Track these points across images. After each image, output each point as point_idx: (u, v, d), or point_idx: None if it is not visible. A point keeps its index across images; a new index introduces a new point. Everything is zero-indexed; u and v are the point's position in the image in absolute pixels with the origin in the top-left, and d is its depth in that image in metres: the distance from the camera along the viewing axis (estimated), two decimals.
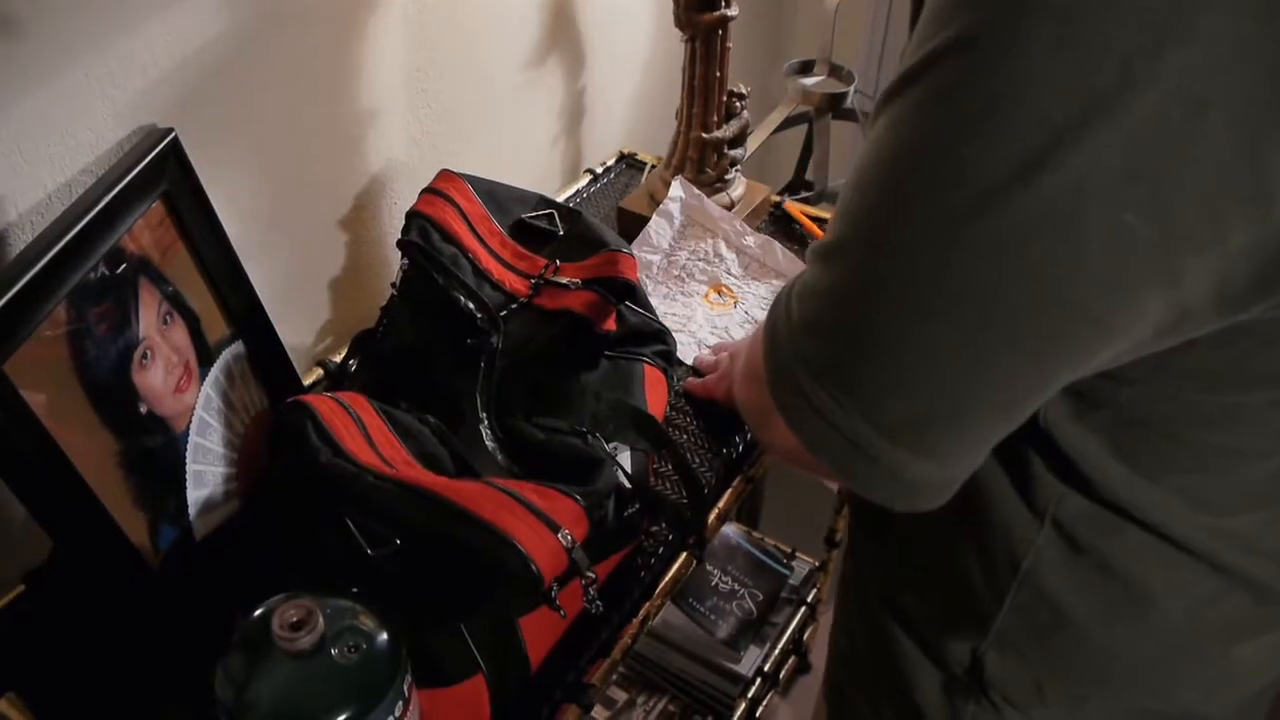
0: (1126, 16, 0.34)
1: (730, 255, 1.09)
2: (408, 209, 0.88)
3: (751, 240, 1.09)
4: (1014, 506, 0.55)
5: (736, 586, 1.47)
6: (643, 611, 0.77)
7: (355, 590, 0.59)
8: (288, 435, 0.68)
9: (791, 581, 1.51)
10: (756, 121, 1.27)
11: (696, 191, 1.09)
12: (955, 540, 0.59)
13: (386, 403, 0.76)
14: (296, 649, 0.53)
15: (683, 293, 1.06)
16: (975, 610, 0.60)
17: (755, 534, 1.59)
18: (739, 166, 1.15)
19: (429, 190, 0.90)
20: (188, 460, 0.72)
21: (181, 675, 0.65)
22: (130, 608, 0.69)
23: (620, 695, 1.47)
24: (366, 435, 0.70)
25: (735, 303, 1.05)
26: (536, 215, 0.95)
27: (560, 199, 1.14)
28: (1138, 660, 0.59)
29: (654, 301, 1.00)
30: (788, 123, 1.41)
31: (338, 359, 0.92)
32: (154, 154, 0.69)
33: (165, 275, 0.71)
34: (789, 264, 1.08)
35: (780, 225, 1.17)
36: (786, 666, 1.57)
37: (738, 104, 1.11)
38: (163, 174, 0.70)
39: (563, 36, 1.18)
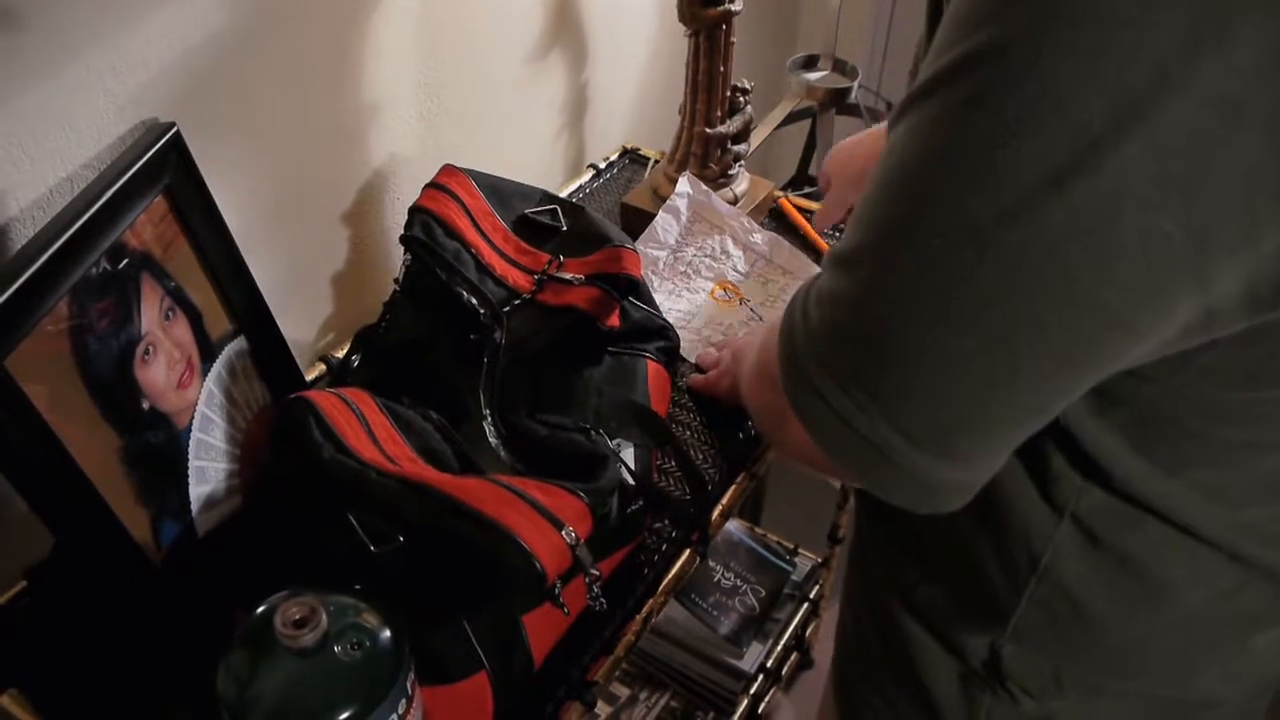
0: (1162, 23, 0.34)
1: (737, 252, 1.09)
2: (410, 204, 0.88)
3: (759, 237, 1.09)
4: (1033, 502, 0.55)
5: (739, 583, 1.47)
6: (646, 608, 0.77)
7: (358, 587, 0.59)
8: (290, 431, 0.68)
9: (794, 577, 1.51)
10: (760, 117, 1.27)
11: (704, 188, 1.09)
12: (972, 536, 0.59)
13: (389, 398, 0.76)
14: (299, 646, 0.52)
15: (688, 289, 1.06)
16: (993, 604, 0.60)
17: (758, 530, 1.59)
18: (742, 162, 1.14)
19: (432, 185, 0.89)
20: (190, 456, 0.72)
21: (184, 672, 0.65)
22: (132, 604, 0.69)
23: (623, 691, 1.47)
24: (369, 431, 0.70)
25: (741, 299, 1.05)
26: (540, 210, 0.95)
27: (563, 194, 1.14)
28: (1156, 651, 0.59)
29: (659, 297, 1.00)
30: (791, 118, 1.41)
31: (340, 355, 0.92)
32: (156, 148, 0.69)
33: (167, 270, 0.71)
34: (796, 262, 1.08)
35: (784, 221, 1.16)
36: (789, 662, 1.57)
37: (741, 99, 1.11)
38: (165, 169, 0.70)
39: (566, 31, 1.17)
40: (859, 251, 0.45)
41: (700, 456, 0.87)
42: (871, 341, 0.44)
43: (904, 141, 0.42)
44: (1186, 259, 0.38)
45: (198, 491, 0.72)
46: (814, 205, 1.17)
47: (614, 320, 0.88)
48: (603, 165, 1.25)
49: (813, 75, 1.43)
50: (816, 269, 1.08)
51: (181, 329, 0.72)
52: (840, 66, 1.44)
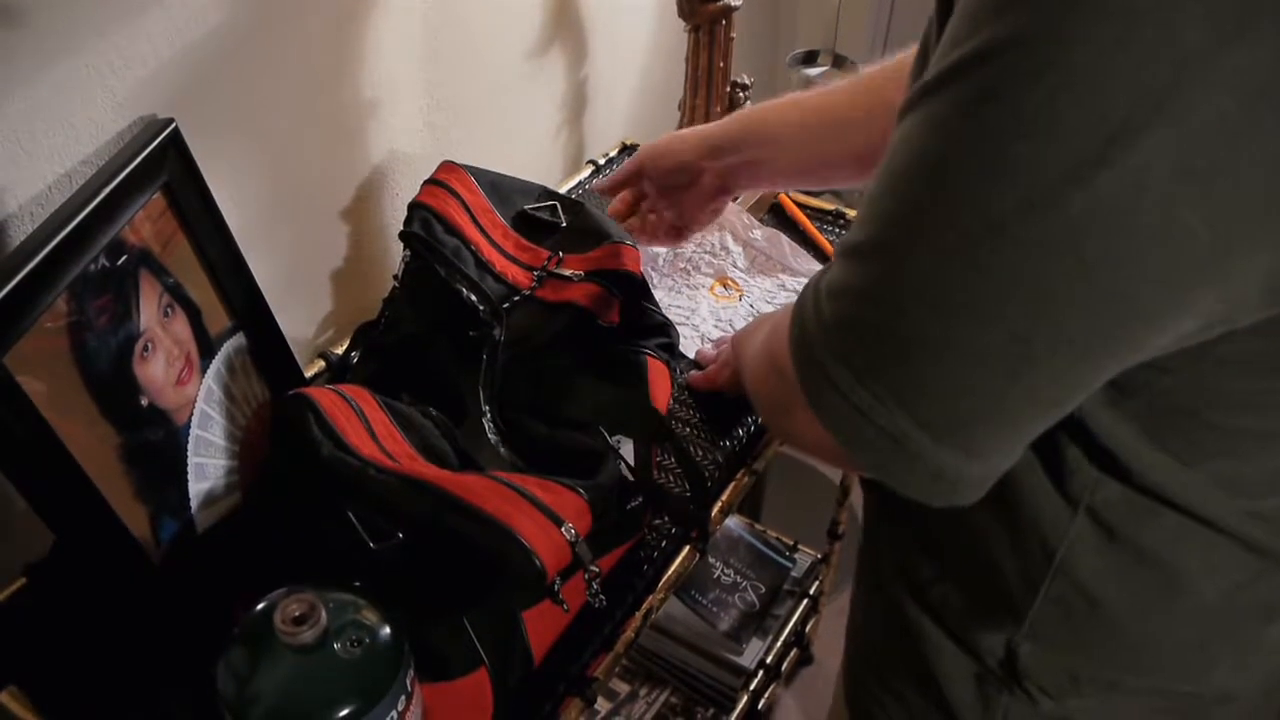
0: (1185, 15, 0.34)
1: (737, 249, 1.09)
2: (409, 200, 0.88)
3: (759, 234, 1.09)
4: (1047, 496, 0.55)
5: (739, 579, 1.47)
6: (645, 605, 0.77)
7: (358, 584, 0.59)
8: (289, 428, 0.68)
9: (794, 574, 1.51)
10: None
11: None
12: (986, 531, 0.59)
13: (389, 395, 0.76)
14: (299, 643, 0.52)
15: (688, 285, 1.06)
16: (1008, 601, 0.60)
17: (757, 526, 1.59)
18: None
19: (431, 181, 0.89)
20: (189, 453, 0.72)
21: (183, 669, 0.65)
22: (132, 601, 0.69)
23: (623, 688, 1.47)
24: (369, 428, 0.69)
25: (741, 296, 1.05)
26: (539, 207, 0.95)
27: (563, 190, 1.13)
28: (1174, 644, 0.59)
29: (659, 294, 1.00)
30: None
31: (339, 351, 0.92)
32: (154, 145, 0.68)
33: (166, 267, 0.71)
34: (796, 258, 1.08)
35: (783, 217, 1.16)
36: (789, 658, 1.57)
37: (741, 95, 1.10)
38: (163, 165, 0.70)
39: (565, 26, 1.17)
40: (872, 243, 0.44)
41: (700, 453, 0.87)
42: (888, 334, 0.44)
43: (917, 133, 0.42)
44: (1208, 250, 0.37)
45: (197, 488, 0.72)
46: (815, 202, 1.17)
47: (614, 316, 0.88)
48: (602, 161, 1.25)
49: (812, 71, 1.43)
50: (817, 265, 1.08)
51: (180, 325, 0.72)
52: (840, 62, 1.44)
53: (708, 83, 1.06)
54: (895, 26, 1.73)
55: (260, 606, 0.56)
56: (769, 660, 1.43)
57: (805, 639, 1.60)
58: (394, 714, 0.55)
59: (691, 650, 1.42)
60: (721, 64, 1.05)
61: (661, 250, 1.08)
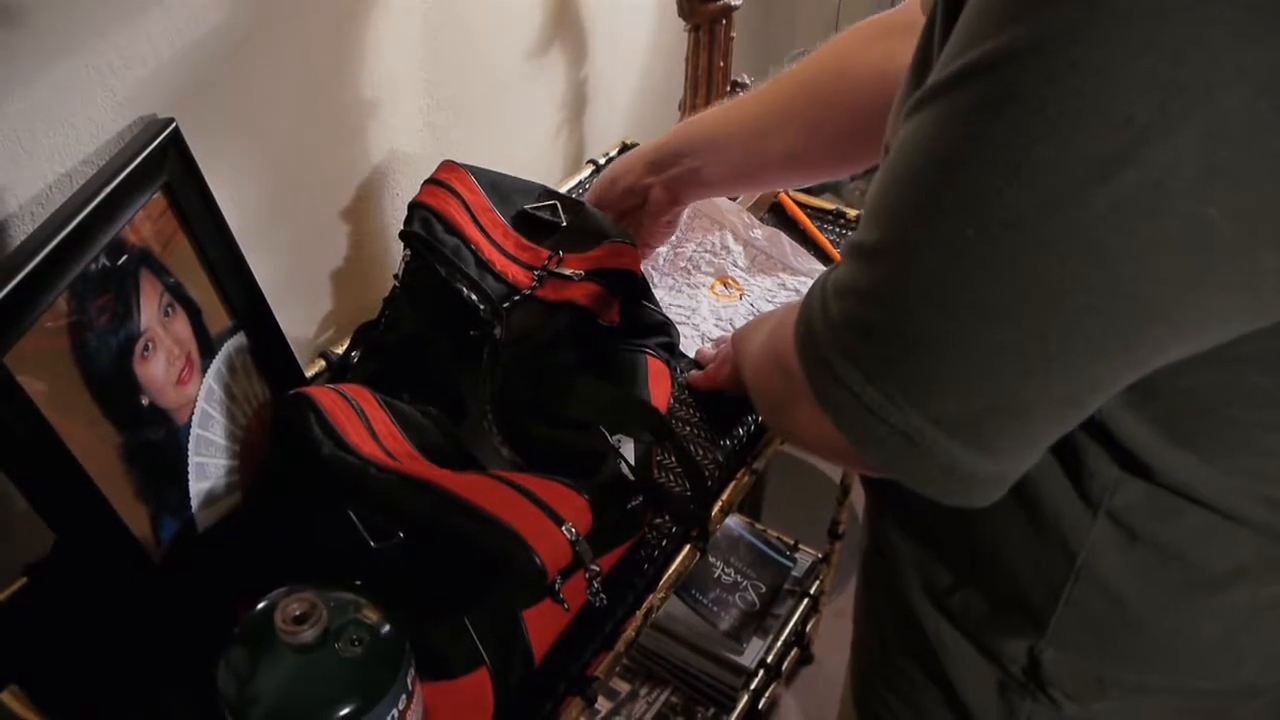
0: (1212, 15, 0.34)
1: (737, 248, 1.09)
2: (410, 200, 0.88)
3: (759, 233, 1.09)
4: (1066, 499, 0.55)
5: (739, 578, 1.47)
6: (646, 604, 0.77)
7: (358, 583, 0.59)
8: (290, 427, 0.68)
9: (794, 573, 1.51)
10: None
11: None
12: (1005, 537, 0.58)
13: (389, 395, 0.76)
14: (299, 642, 0.52)
15: (688, 284, 1.06)
16: (1030, 607, 0.59)
17: (758, 526, 1.59)
18: None
19: (431, 181, 0.89)
20: (190, 452, 0.72)
21: (184, 669, 0.65)
22: (132, 601, 0.69)
23: (623, 687, 1.47)
24: (369, 427, 0.69)
25: (741, 295, 1.05)
26: (539, 206, 0.95)
27: (563, 189, 1.13)
28: (1199, 642, 0.58)
29: (659, 293, 1.00)
30: None
31: (340, 351, 0.92)
32: (155, 144, 0.68)
33: (166, 266, 0.71)
34: (796, 257, 1.08)
35: (784, 217, 1.16)
36: (790, 658, 1.57)
37: (741, 94, 1.10)
38: (164, 165, 0.70)
39: (565, 26, 1.17)
40: (883, 243, 0.44)
41: (700, 452, 0.87)
42: (898, 334, 0.44)
43: (928, 133, 0.41)
44: (1234, 250, 0.37)
45: (197, 488, 0.72)
46: (815, 201, 1.17)
47: (614, 316, 0.88)
48: (603, 160, 1.25)
49: None
50: (817, 264, 1.08)
51: (181, 325, 0.72)
52: None
53: (708, 82, 1.06)
54: None
55: (261, 606, 0.56)
56: (769, 660, 1.43)
57: (806, 638, 1.60)
58: (395, 713, 0.55)
59: (692, 650, 1.42)
60: (721, 63, 1.05)
61: (662, 249, 1.08)
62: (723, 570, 1.48)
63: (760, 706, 1.48)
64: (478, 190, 0.91)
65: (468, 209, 0.89)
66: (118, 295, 0.66)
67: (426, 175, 0.90)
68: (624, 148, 1.28)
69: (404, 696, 0.56)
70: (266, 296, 0.80)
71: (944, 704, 0.68)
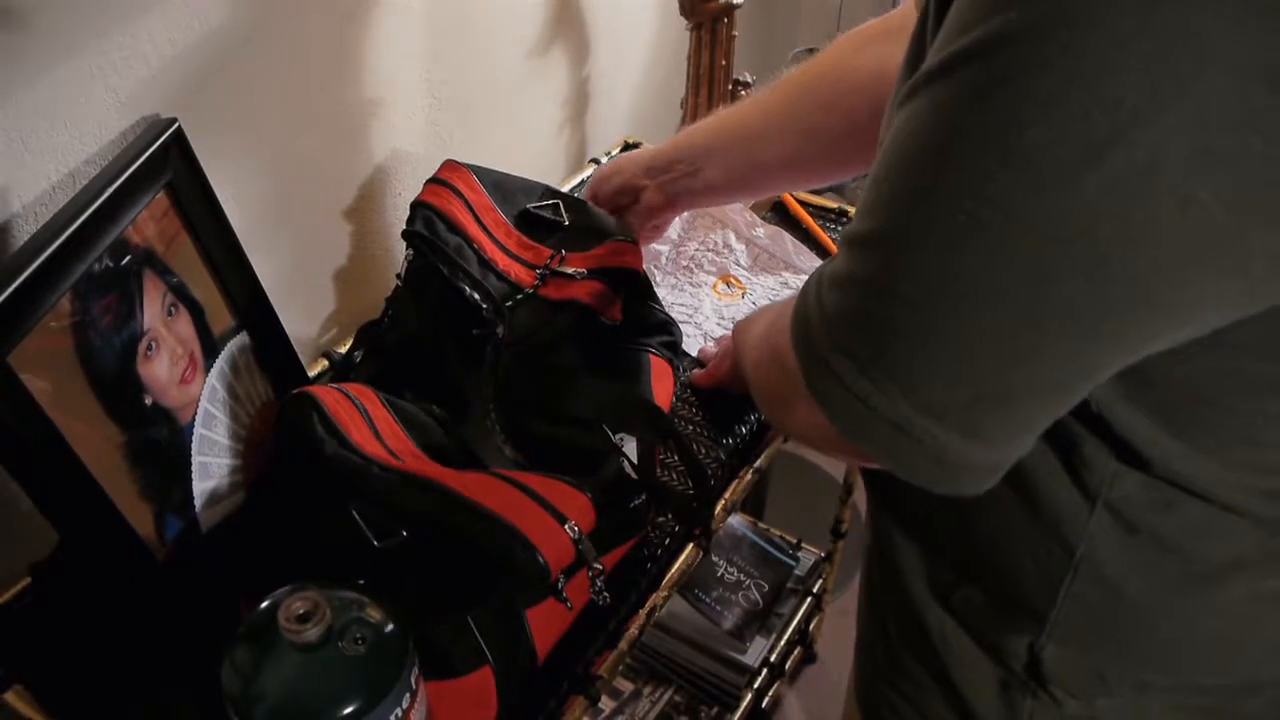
0: (1204, 1, 0.34)
1: (740, 246, 1.09)
2: (412, 199, 0.88)
3: (762, 231, 1.09)
4: (1064, 492, 0.55)
5: (742, 577, 1.47)
6: (649, 603, 0.77)
7: (361, 582, 0.59)
8: (293, 426, 0.68)
9: (797, 572, 1.51)
10: None
11: None
12: (1004, 531, 0.58)
13: (392, 394, 0.76)
14: (303, 641, 0.52)
15: (691, 283, 1.06)
16: (1030, 602, 0.59)
17: (761, 525, 1.59)
18: None
19: (433, 180, 0.89)
20: (193, 452, 0.72)
21: (188, 667, 0.65)
22: (136, 600, 0.69)
23: (627, 686, 1.47)
24: (372, 427, 0.70)
25: (744, 294, 1.05)
26: (542, 205, 0.95)
27: (565, 188, 1.13)
28: (1200, 635, 0.58)
29: (661, 292, 1.00)
30: None
31: (343, 350, 0.92)
32: (157, 144, 0.69)
33: (169, 266, 0.71)
34: (799, 255, 1.08)
35: (786, 215, 1.16)
36: (793, 657, 1.57)
37: (743, 92, 1.10)
38: (166, 165, 0.70)
39: (567, 25, 1.17)
40: (875, 231, 0.44)
41: (703, 451, 0.87)
42: (889, 322, 0.44)
43: (921, 120, 0.41)
44: (1225, 234, 0.37)
45: (201, 487, 0.72)
46: (818, 200, 1.17)
47: (616, 314, 0.88)
48: (605, 159, 1.25)
49: None
50: (820, 262, 1.08)
51: (184, 325, 0.72)
52: None
53: (709, 81, 1.06)
54: None
55: (265, 605, 0.56)
56: (773, 659, 1.43)
57: (809, 637, 1.60)
58: (398, 712, 0.55)
59: (695, 649, 1.42)
60: (723, 62, 1.05)
61: (664, 248, 1.08)
62: (726, 569, 1.48)
63: (764, 705, 1.48)
64: (480, 189, 0.91)
65: (470, 208, 0.89)
66: (121, 295, 0.66)
67: (429, 174, 0.90)
68: (626, 146, 1.28)
69: (407, 695, 0.56)
70: (269, 296, 0.80)
71: (947, 703, 0.68)
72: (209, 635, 0.59)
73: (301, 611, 0.53)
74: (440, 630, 0.63)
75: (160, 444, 0.69)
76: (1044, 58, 0.36)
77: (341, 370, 0.90)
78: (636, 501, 0.74)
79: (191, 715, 0.66)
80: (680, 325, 0.95)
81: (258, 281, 0.79)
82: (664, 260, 1.07)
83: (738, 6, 1.02)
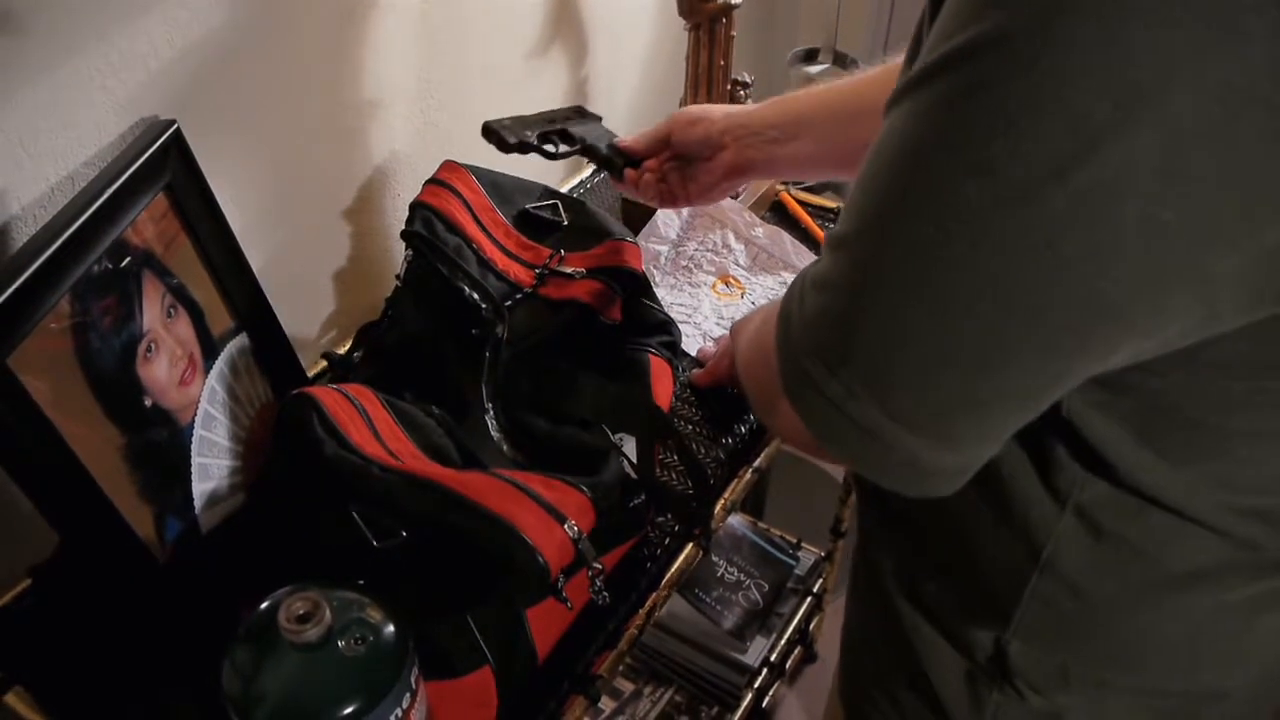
0: (1173, 17, 0.34)
1: (739, 246, 1.09)
2: (411, 200, 0.88)
3: (761, 231, 1.09)
4: (1035, 493, 0.55)
5: (742, 577, 1.47)
6: (649, 602, 0.77)
7: (361, 582, 0.59)
8: (292, 427, 0.68)
9: (797, 572, 1.51)
10: None
11: None
12: (975, 529, 0.59)
13: (391, 394, 0.76)
14: (303, 641, 0.53)
15: (690, 283, 1.06)
16: (996, 599, 0.60)
17: (761, 524, 1.59)
18: None
19: (432, 181, 0.89)
20: (193, 453, 0.72)
21: (188, 668, 0.65)
22: (137, 601, 0.69)
23: (627, 686, 1.47)
24: (372, 427, 0.70)
25: (743, 293, 1.05)
26: (540, 205, 0.95)
27: (564, 189, 1.13)
28: (1163, 642, 0.58)
29: (661, 292, 1.00)
30: None
31: (343, 351, 0.92)
32: (156, 146, 0.69)
33: (169, 268, 0.71)
34: (798, 255, 1.08)
35: (785, 215, 1.16)
36: (793, 656, 1.57)
37: (741, 92, 1.10)
38: (165, 166, 0.70)
39: (565, 26, 1.17)
40: (851, 235, 0.45)
41: (702, 450, 0.87)
42: (860, 326, 0.44)
43: (902, 126, 0.42)
44: (1187, 252, 0.37)
45: (201, 488, 0.72)
46: (816, 199, 1.17)
47: (616, 314, 0.88)
48: None
49: (813, 68, 1.43)
50: None
51: (183, 326, 0.72)
52: (841, 59, 1.43)
53: (708, 81, 1.06)
54: (896, 23, 1.73)
55: (265, 605, 0.56)
56: (773, 658, 1.43)
57: (809, 637, 1.60)
58: (398, 712, 0.55)
59: (695, 648, 1.42)
60: (722, 62, 1.05)
61: (663, 248, 1.08)
62: (726, 569, 1.48)
63: (764, 705, 1.48)
64: (479, 190, 0.91)
65: (469, 208, 0.89)
66: (120, 297, 0.66)
67: (428, 175, 0.90)
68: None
69: (407, 695, 0.56)
70: (269, 297, 0.80)
71: (919, 695, 0.69)
72: (209, 636, 0.59)
73: (301, 612, 0.53)
74: (440, 630, 0.63)
75: (160, 445, 0.69)
76: (1014, 68, 0.37)
77: (341, 371, 0.90)
78: (636, 501, 0.74)
79: (192, 716, 0.66)
80: (679, 325, 0.95)
81: (257, 283, 0.79)
82: (663, 260, 1.07)
83: (736, 7, 1.02)
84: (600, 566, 0.66)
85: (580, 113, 0.92)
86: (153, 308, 0.69)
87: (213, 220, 0.75)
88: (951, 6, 0.40)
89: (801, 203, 1.15)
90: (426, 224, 0.85)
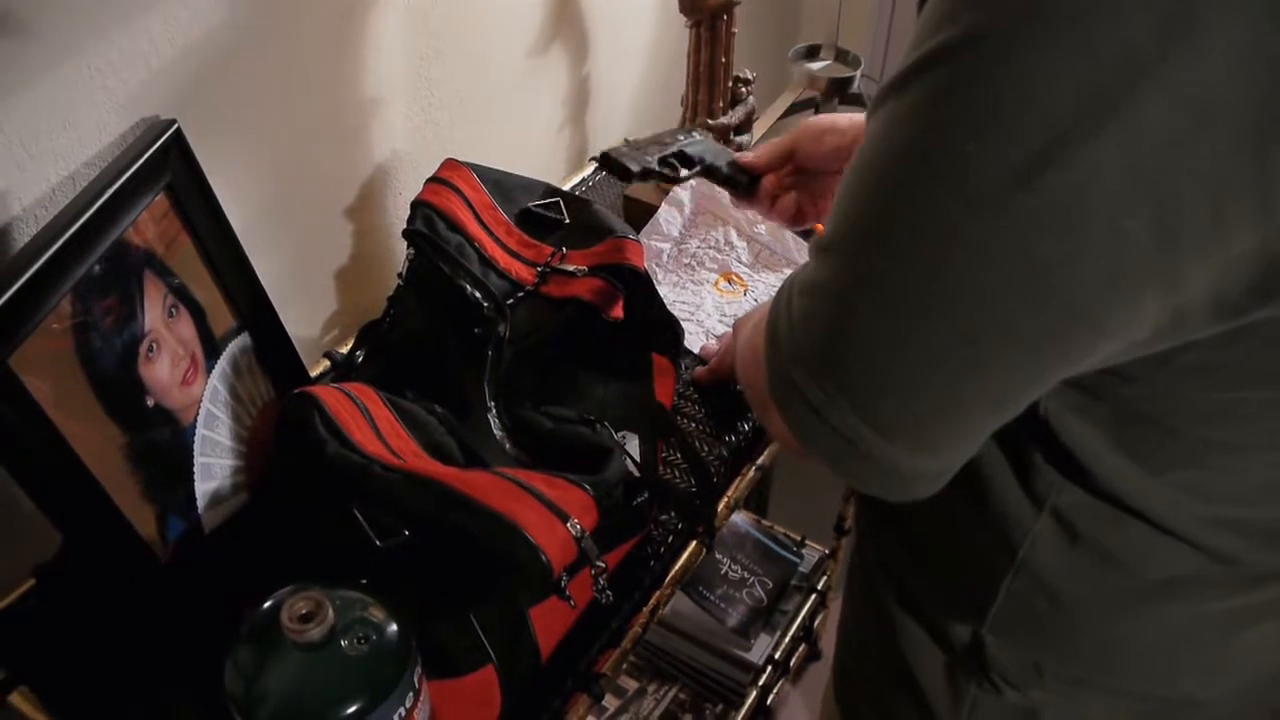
0: (1136, 22, 0.34)
1: (741, 244, 1.09)
2: (413, 198, 0.88)
3: (763, 228, 1.09)
4: (1013, 495, 0.55)
5: (746, 575, 1.47)
6: (653, 600, 0.77)
7: (364, 581, 0.59)
8: (294, 427, 0.68)
9: (801, 569, 1.51)
10: (762, 108, 1.27)
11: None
12: (956, 526, 0.60)
13: (394, 393, 0.76)
14: (306, 641, 0.53)
15: (693, 281, 1.06)
16: (973, 595, 0.61)
17: (764, 522, 1.59)
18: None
19: (434, 179, 0.89)
20: (195, 453, 0.72)
21: (191, 668, 0.65)
22: (140, 601, 0.69)
23: (631, 684, 1.47)
24: (374, 426, 0.70)
25: (745, 291, 1.05)
26: (542, 203, 0.95)
27: (566, 187, 1.13)
28: (1137, 648, 0.59)
29: (663, 290, 1.00)
30: (794, 108, 1.40)
31: (345, 350, 0.92)
32: (157, 146, 0.69)
33: (170, 268, 0.71)
34: (800, 252, 1.08)
35: None
36: (797, 654, 1.57)
37: (743, 89, 1.10)
38: (166, 166, 0.70)
39: (566, 23, 1.17)
40: (836, 241, 0.45)
41: (705, 448, 0.87)
42: (841, 333, 0.44)
43: (879, 132, 0.42)
44: (1155, 257, 0.37)
45: (203, 488, 0.72)
46: None
47: (618, 312, 0.88)
48: None
49: (815, 65, 1.42)
50: None
51: (185, 326, 0.72)
52: (843, 56, 1.43)
53: (710, 78, 1.06)
54: (897, 20, 1.73)
55: (267, 605, 0.56)
56: (777, 656, 1.43)
57: (813, 634, 1.60)
58: (401, 711, 0.55)
59: (699, 646, 1.42)
60: (724, 59, 1.05)
61: (666, 245, 1.07)
62: (729, 566, 1.48)
63: (769, 702, 1.48)
64: (480, 188, 0.91)
65: (471, 207, 0.89)
66: (122, 297, 0.66)
67: (429, 173, 0.90)
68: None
69: (410, 694, 0.56)
70: (270, 296, 0.80)
71: (903, 690, 0.69)
72: (212, 636, 0.59)
73: (304, 611, 0.53)
74: (443, 629, 0.63)
75: (162, 445, 0.69)
76: (982, 72, 0.37)
77: (343, 370, 0.90)
78: (639, 499, 0.74)
79: (195, 716, 0.67)
80: (682, 323, 0.95)
81: (258, 282, 0.79)
82: (665, 258, 1.07)
83: (737, 3, 1.02)
84: (603, 565, 0.66)
85: (685, 131, 0.91)
86: (154, 307, 0.69)
87: (214, 220, 0.75)
88: (926, 12, 0.40)
89: None
90: (428, 222, 0.85)
